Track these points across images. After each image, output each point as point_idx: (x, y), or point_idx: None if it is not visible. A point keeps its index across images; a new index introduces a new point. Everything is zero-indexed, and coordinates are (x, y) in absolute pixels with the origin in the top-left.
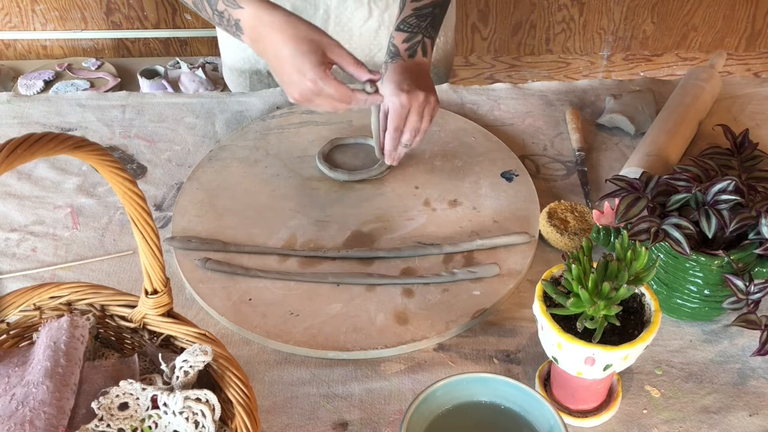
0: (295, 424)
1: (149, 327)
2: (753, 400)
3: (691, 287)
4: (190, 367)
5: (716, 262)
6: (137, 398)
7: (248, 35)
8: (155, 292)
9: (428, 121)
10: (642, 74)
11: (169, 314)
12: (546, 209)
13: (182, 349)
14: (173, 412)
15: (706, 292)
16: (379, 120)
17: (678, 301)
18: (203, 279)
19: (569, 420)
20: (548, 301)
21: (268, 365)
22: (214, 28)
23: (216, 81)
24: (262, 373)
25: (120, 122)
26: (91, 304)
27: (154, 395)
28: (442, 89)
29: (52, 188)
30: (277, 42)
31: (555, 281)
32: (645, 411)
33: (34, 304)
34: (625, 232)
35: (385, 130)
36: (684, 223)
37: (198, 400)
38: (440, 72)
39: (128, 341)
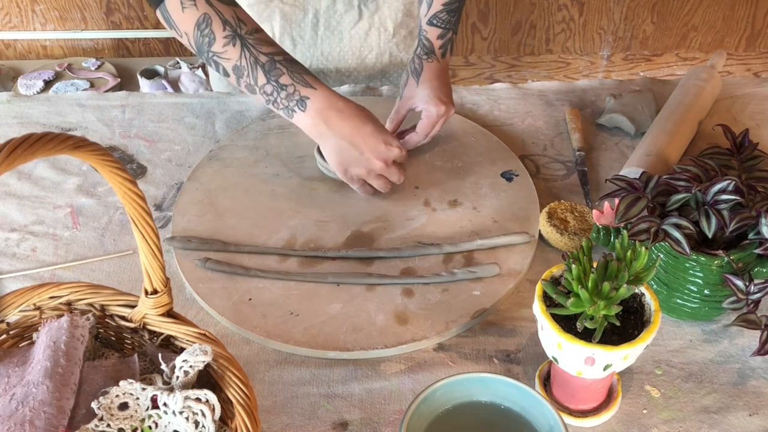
0: (295, 424)
1: (149, 327)
2: (753, 400)
3: (691, 287)
4: (190, 367)
5: (716, 262)
6: (137, 398)
7: (313, 114)
8: (155, 292)
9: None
10: (642, 74)
11: (169, 314)
12: (546, 209)
13: (182, 349)
14: (173, 412)
15: (706, 292)
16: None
17: (678, 301)
18: (203, 279)
19: (569, 420)
20: (548, 301)
21: (268, 365)
22: None
23: None
24: (262, 373)
25: (120, 122)
26: (91, 304)
27: (154, 395)
28: None
29: (52, 188)
30: (356, 121)
31: (555, 281)
32: (645, 411)
33: (34, 304)
34: (625, 232)
35: (398, 125)
36: (684, 223)
37: (198, 400)
38: None
39: (128, 341)
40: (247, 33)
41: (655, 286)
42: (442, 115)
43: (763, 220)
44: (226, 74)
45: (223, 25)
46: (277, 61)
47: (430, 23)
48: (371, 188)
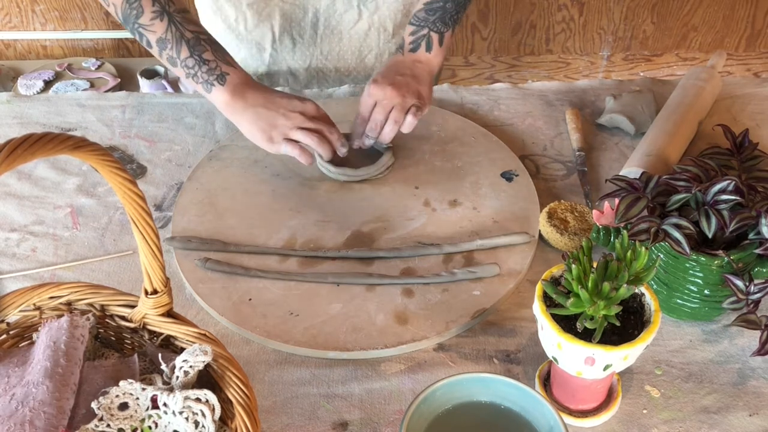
0: (295, 424)
1: (149, 327)
2: (753, 400)
3: (691, 287)
4: (190, 367)
5: (716, 262)
6: (137, 398)
7: (230, 89)
8: (155, 292)
9: (396, 119)
10: (642, 74)
11: (169, 314)
12: (546, 209)
13: (182, 349)
14: (173, 412)
15: (706, 292)
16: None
17: (678, 301)
18: (203, 279)
19: (569, 420)
20: (548, 301)
21: (268, 365)
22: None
23: None
24: (262, 373)
25: (120, 122)
26: (91, 304)
27: (154, 395)
28: (443, 89)
29: (52, 188)
30: (269, 92)
31: (555, 281)
32: (645, 411)
33: (34, 304)
34: (625, 232)
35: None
36: (684, 223)
37: (198, 400)
38: None
39: (128, 341)
40: (174, 11)
41: (655, 286)
42: (374, 96)
43: (763, 220)
44: (149, 45)
45: (153, 1)
46: (202, 39)
47: (409, 23)
48: (306, 151)
